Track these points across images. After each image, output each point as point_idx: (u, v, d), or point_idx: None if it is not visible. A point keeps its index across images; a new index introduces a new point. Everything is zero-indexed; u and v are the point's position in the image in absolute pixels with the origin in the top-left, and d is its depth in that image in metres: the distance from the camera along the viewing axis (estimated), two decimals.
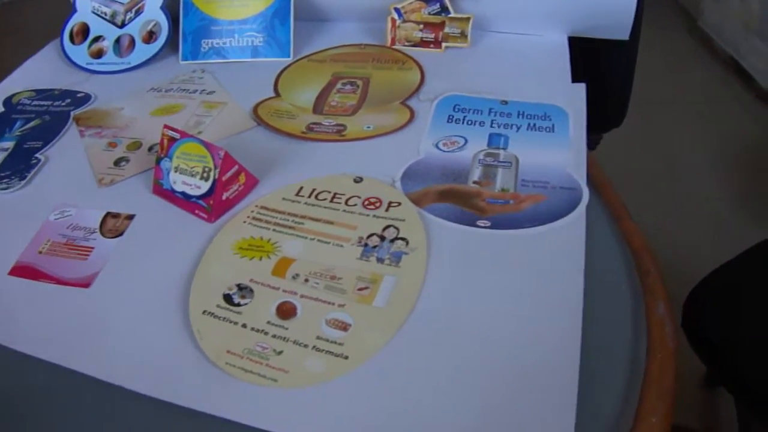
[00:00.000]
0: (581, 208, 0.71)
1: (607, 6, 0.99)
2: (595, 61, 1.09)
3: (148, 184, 0.79)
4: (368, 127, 0.84)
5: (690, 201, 2.22)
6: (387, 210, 0.72)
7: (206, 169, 0.74)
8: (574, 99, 0.88)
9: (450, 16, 0.99)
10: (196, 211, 0.75)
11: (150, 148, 0.85)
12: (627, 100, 1.30)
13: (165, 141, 0.78)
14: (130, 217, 0.76)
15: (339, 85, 0.92)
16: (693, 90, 2.88)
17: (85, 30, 1.05)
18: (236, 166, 0.75)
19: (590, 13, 1.00)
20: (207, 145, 0.74)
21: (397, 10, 0.99)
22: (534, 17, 1.02)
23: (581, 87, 0.90)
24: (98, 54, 1.04)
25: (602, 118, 1.31)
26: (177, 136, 0.77)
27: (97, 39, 1.05)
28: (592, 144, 1.46)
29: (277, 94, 0.92)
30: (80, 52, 1.05)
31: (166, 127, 0.78)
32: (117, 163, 0.84)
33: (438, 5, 0.98)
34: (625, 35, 1.03)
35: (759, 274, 1.05)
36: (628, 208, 0.77)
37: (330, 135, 0.83)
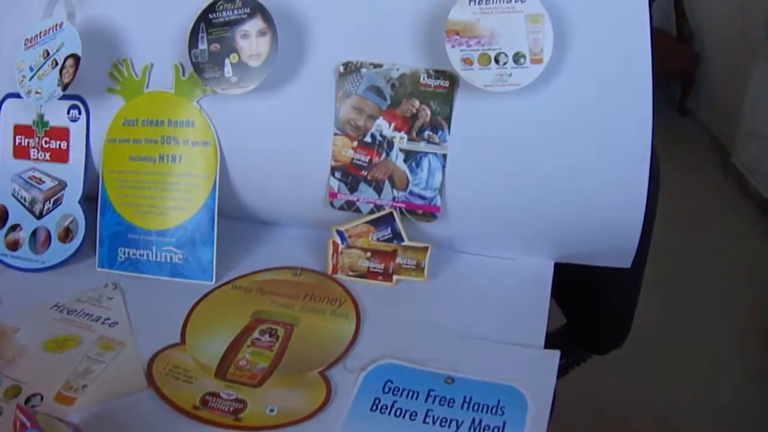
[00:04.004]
0: None
1: (606, 230, 0.82)
2: (592, 276, 0.91)
3: None
4: (271, 411, 0.68)
5: (714, 388, 1.91)
6: None
7: None
8: (540, 377, 0.70)
9: (403, 244, 0.82)
10: None
11: (27, 400, 0.72)
12: (630, 322, 1.10)
13: (18, 424, 0.64)
14: None
15: (256, 334, 0.77)
16: (720, 238, 2.57)
17: (3, 214, 0.94)
18: None
19: (584, 238, 0.83)
20: None
21: (339, 233, 0.83)
22: (513, 240, 0.85)
23: (553, 357, 0.72)
24: (14, 246, 0.92)
25: (598, 340, 1.12)
26: (27, 424, 0.63)
27: (14, 228, 0.93)
28: (569, 366, 1.22)
29: (183, 341, 0.77)
30: None
31: (18, 408, 0.65)
32: None
33: (389, 231, 0.82)
34: (626, 263, 0.85)
35: None
36: None
37: (224, 417, 0.68)
